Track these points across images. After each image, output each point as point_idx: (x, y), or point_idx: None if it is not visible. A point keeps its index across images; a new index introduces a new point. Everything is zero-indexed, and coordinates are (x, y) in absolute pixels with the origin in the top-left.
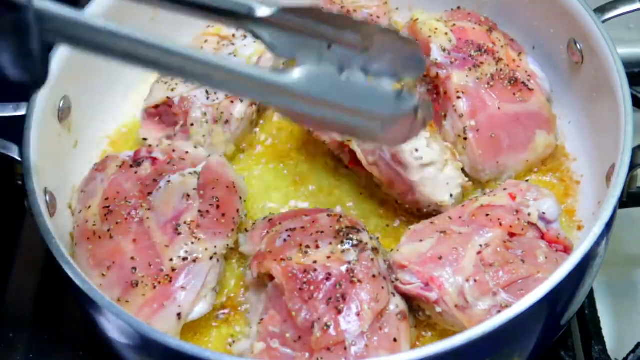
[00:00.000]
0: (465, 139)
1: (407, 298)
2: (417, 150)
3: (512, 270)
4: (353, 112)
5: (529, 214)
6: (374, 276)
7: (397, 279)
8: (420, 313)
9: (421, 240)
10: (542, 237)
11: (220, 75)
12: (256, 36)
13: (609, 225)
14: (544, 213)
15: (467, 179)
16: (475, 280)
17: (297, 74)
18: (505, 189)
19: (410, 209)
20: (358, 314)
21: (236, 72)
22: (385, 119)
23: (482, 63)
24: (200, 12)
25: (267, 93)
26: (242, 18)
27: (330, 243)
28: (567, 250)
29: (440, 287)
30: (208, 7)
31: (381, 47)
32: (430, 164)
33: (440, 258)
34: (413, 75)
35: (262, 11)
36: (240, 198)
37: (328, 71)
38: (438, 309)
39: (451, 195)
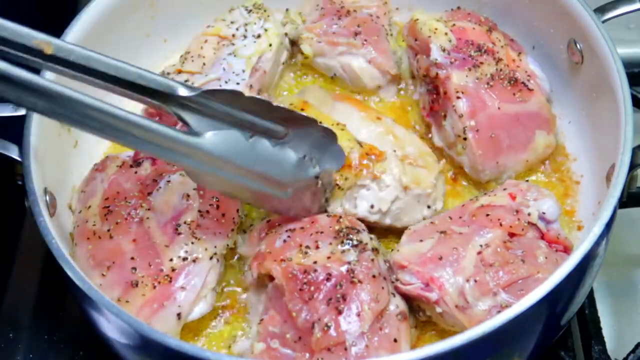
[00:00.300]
0: (465, 139)
1: (408, 298)
2: (372, 206)
3: (512, 270)
4: (258, 177)
5: (529, 214)
6: (374, 276)
7: (397, 279)
8: (420, 313)
9: (421, 240)
10: (542, 237)
11: (131, 131)
12: (179, 117)
13: (608, 226)
14: (543, 213)
15: (433, 180)
16: (475, 281)
17: (208, 135)
18: (505, 189)
19: None
20: (358, 315)
21: (148, 129)
22: (289, 186)
23: (481, 63)
24: (126, 89)
25: (178, 152)
26: (165, 98)
27: (330, 243)
28: (567, 250)
29: (441, 287)
30: (134, 84)
31: (302, 136)
32: (391, 204)
33: (441, 258)
34: (330, 167)
35: (184, 91)
36: None
37: (236, 135)
38: (438, 309)
39: (429, 207)
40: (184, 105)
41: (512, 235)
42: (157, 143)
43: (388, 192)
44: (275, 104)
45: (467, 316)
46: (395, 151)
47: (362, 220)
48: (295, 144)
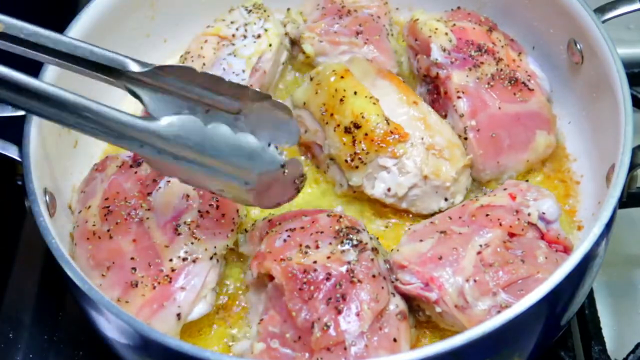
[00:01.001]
0: (465, 139)
1: (407, 298)
2: (389, 189)
3: (512, 270)
4: (219, 164)
5: (528, 214)
6: (373, 276)
7: (397, 279)
8: (420, 313)
9: (421, 240)
10: (542, 237)
11: (90, 117)
12: (132, 93)
13: (608, 226)
14: (543, 213)
15: (454, 175)
16: (475, 281)
17: (164, 121)
18: (505, 189)
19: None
20: (358, 314)
21: (104, 116)
22: (252, 175)
23: (482, 63)
24: (78, 65)
25: (133, 138)
26: (117, 74)
27: (330, 243)
28: (567, 250)
29: (440, 287)
30: (85, 60)
31: (256, 112)
32: (408, 190)
33: (440, 258)
34: (285, 143)
35: (135, 67)
36: None
37: (195, 121)
38: (438, 309)
39: (446, 199)
40: (137, 81)
41: (512, 235)
42: (111, 128)
43: (407, 179)
44: (227, 79)
45: (467, 316)
46: (422, 139)
47: (378, 200)
48: (253, 125)
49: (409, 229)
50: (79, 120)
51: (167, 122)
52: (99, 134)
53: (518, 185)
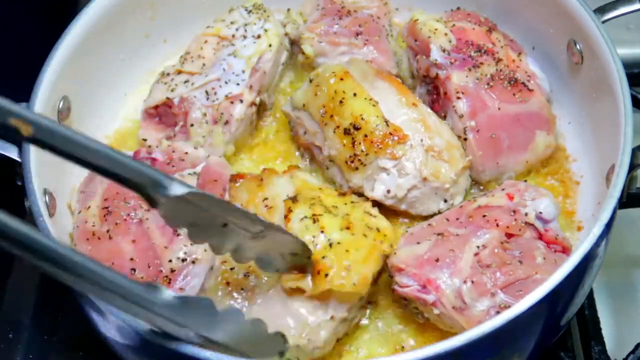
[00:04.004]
0: (465, 139)
1: (406, 301)
2: (388, 191)
3: (510, 271)
4: (219, 347)
5: (526, 214)
6: None
7: (395, 282)
8: (419, 316)
9: (418, 243)
10: (540, 237)
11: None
12: (155, 206)
13: (608, 226)
14: (540, 213)
15: (454, 176)
16: (472, 282)
17: (169, 295)
18: (503, 189)
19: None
20: None
21: (108, 281)
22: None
23: (481, 63)
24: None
25: (137, 308)
26: (153, 192)
27: None
28: (566, 250)
29: (437, 289)
30: (121, 178)
31: (273, 242)
32: (408, 192)
33: (437, 260)
34: (302, 271)
35: (176, 189)
36: None
37: (205, 303)
38: (436, 311)
39: (445, 201)
40: (170, 201)
41: (509, 235)
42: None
43: (406, 180)
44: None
45: (465, 317)
46: (422, 140)
47: (377, 202)
48: (268, 247)
49: (407, 231)
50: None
51: (171, 296)
52: (102, 297)
53: (516, 185)
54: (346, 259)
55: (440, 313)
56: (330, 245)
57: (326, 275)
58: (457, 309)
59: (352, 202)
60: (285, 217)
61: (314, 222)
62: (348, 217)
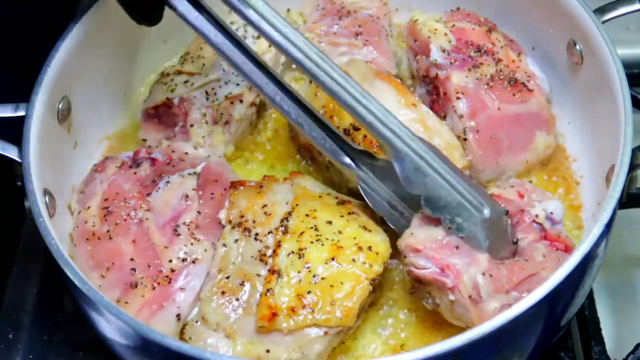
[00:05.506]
0: (465, 139)
1: (418, 283)
2: None
3: (522, 267)
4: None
5: (536, 215)
6: None
7: (410, 264)
8: (429, 300)
9: (436, 226)
10: (545, 236)
11: None
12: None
13: (608, 226)
14: (551, 213)
15: None
16: (490, 275)
17: None
18: (512, 187)
19: None
20: None
21: None
22: (485, 207)
23: (481, 64)
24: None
25: None
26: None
27: None
28: (568, 249)
29: (458, 275)
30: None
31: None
32: None
33: (457, 247)
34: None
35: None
36: None
37: None
38: (451, 297)
39: None
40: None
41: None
42: None
43: None
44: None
45: (479, 310)
46: None
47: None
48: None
49: (419, 212)
50: None
51: None
52: None
53: (523, 185)
54: (330, 294)
55: (455, 300)
56: (315, 281)
57: (312, 310)
58: (472, 300)
59: (349, 213)
60: (274, 252)
61: (300, 257)
62: (340, 236)
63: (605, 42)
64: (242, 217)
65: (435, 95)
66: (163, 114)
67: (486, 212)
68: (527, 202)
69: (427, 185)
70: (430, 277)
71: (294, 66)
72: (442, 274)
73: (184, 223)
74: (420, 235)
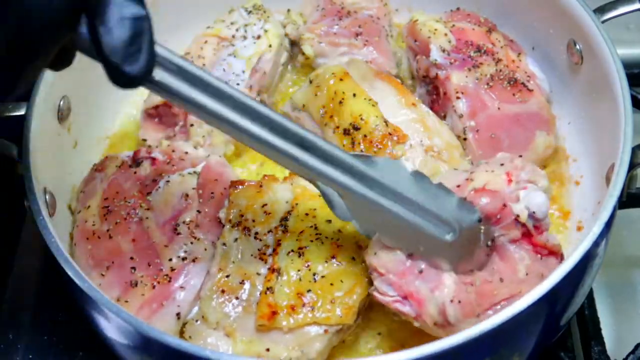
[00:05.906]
0: (465, 139)
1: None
2: None
3: (494, 291)
4: (419, 210)
5: (518, 215)
6: None
7: (374, 287)
8: (396, 317)
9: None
10: (529, 240)
11: None
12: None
13: (608, 225)
14: (533, 212)
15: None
16: (459, 302)
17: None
18: (502, 165)
19: None
20: None
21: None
22: (452, 227)
23: (481, 64)
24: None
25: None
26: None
27: None
28: (556, 255)
29: (420, 304)
30: None
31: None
32: None
33: (421, 272)
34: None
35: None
36: None
37: (400, 165)
38: (416, 324)
39: None
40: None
41: (495, 222)
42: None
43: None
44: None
45: (447, 332)
46: (421, 140)
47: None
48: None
49: None
50: None
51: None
52: None
53: (513, 162)
54: (329, 293)
55: (420, 326)
56: (315, 279)
57: (312, 308)
58: (438, 325)
59: None
60: (274, 250)
61: (300, 256)
62: (340, 234)
63: (605, 42)
64: (242, 216)
65: (435, 95)
66: (163, 114)
67: (448, 237)
68: (513, 189)
69: (377, 222)
70: (392, 307)
71: (297, 65)
72: (404, 303)
73: (184, 222)
74: (383, 257)
